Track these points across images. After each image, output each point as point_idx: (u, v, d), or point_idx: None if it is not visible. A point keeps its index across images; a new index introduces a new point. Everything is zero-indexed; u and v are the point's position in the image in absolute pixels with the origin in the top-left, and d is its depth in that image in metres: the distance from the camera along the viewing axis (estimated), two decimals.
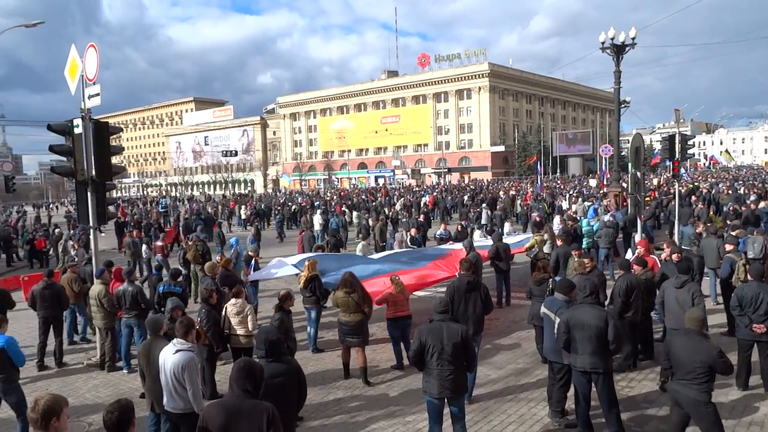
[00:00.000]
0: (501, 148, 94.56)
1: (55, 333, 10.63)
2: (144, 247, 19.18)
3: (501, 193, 41.89)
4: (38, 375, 10.02)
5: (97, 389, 9.16)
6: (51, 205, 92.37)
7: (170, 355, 5.69)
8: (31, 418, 3.52)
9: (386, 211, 31.23)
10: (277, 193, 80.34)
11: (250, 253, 13.57)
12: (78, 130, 10.00)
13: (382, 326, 11.56)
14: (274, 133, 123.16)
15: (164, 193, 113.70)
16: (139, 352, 6.47)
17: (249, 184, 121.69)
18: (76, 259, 15.19)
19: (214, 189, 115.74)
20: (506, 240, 14.68)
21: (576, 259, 9.44)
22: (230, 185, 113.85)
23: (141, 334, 9.58)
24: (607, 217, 17.88)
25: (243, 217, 37.39)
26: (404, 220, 24.25)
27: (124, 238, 22.76)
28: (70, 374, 10.04)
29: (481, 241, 14.96)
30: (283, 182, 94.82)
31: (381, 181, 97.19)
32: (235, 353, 8.42)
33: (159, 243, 18.86)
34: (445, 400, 5.95)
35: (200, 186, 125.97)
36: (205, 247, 16.48)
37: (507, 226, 19.37)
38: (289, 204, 41.32)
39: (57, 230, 24.55)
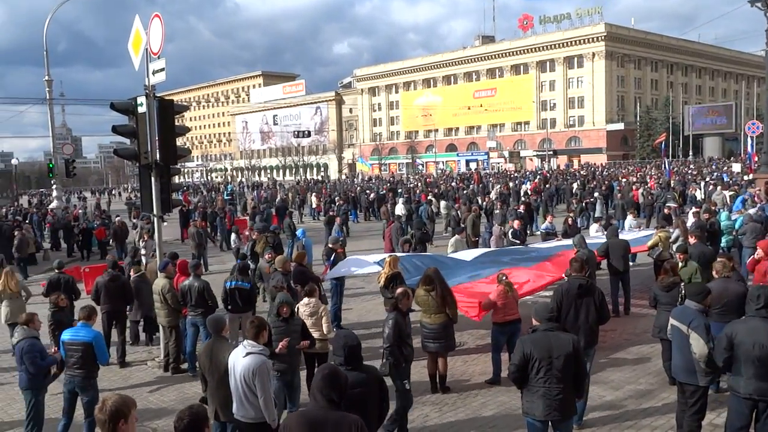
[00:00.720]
0: (619, 126, 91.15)
1: (118, 330, 11.38)
2: (233, 236, 20.28)
3: (621, 179, 40.47)
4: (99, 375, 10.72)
5: (162, 392, 9.75)
6: (112, 191, 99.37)
7: (240, 359, 5.92)
8: (99, 418, 3.80)
9: (479, 201, 30.98)
10: (354, 180, 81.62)
11: (331, 245, 13.84)
12: (142, 109, 10.59)
13: (474, 334, 11.61)
14: (351, 110, 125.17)
15: (229, 178, 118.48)
16: (200, 354, 6.77)
17: (322, 169, 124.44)
18: (144, 252, 16.21)
19: (283, 174, 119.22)
20: (625, 236, 14.19)
21: (719, 260, 8.94)
22: (300, 170, 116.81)
23: (208, 334, 10.02)
24: (754, 210, 16.87)
25: (314, 206, 38.36)
26: (497, 211, 23.91)
27: (187, 227, 24.02)
28: (133, 375, 10.73)
29: (597, 237, 14.51)
30: (360, 166, 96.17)
31: (473, 165, 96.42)
32: (308, 359, 8.67)
33: (246, 232, 19.99)
34: (550, 424, 5.86)
35: (268, 171, 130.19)
36: (276, 239, 17.04)
37: (629, 220, 18.74)
38: (367, 192, 41.86)
39: (118, 218, 26.22)
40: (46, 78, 35.90)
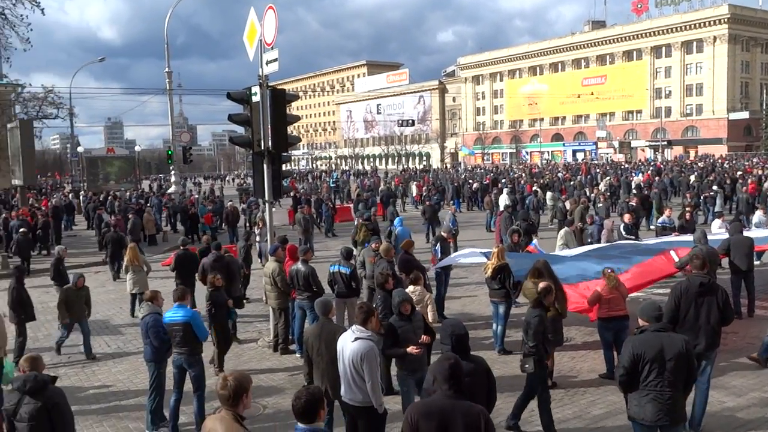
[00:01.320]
0: (743, 115, 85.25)
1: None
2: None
3: (745, 172, 37.90)
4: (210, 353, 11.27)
5: (272, 371, 10.13)
6: (225, 178, 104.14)
7: (349, 343, 6.04)
8: (222, 395, 3.99)
9: (587, 193, 29.96)
10: (457, 169, 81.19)
11: (444, 234, 13.86)
12: (255, 99, 10.97)
13: (582, 330, 11.30)
14: (454, 99, 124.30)
15: (333, 166, 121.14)
16: (306, 336, 6.94)
17: (424, 159, 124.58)
18: (258, 239, 16.85)
19: (386, 163, 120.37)
20: (751, 233, 13.27)
21: None
22: (403, 159, 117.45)
23: (314, 318, 10.30)
24: None
25: (414, 194, 38.51)
26: (600, 204, 23.02)
27: (293, 213, 24.78)
28: (244, 353, 11.24)
29: (719, 233, 13.67)
30: (463, 155, 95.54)
31: (580, 155, 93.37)
32: None
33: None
34: (658, 429, 5.67)
35: (371, 159, 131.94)
36: (374, 226, 17.25)
37: (758, 215, 17.55)
38: (470, 182, 41.52)
39: (230, 203, 27.42)
40: (167, 70, 38.02)
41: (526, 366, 7.26)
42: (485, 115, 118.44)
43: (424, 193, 33.76)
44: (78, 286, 11.53)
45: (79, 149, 54.57)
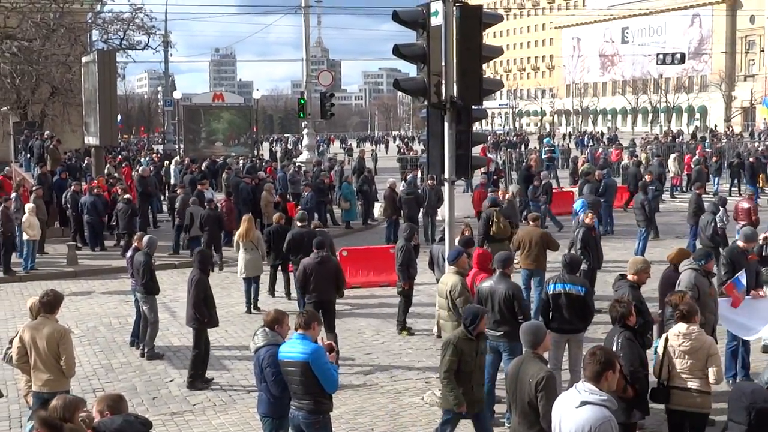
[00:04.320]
0: None
1: (325, 323, 12.30)
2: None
3: None
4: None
5: None
6: (383, 139, 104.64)
7: (571, 409, 6.09)
8: None
9: None
10: (755, 135, 76.99)
11: (740, 243, 13.18)
12: (436, 21, 11.03)
13: None
14: (752, 19, 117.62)
15: (547, 127, 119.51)
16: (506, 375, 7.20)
17: (696, 117, 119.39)
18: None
19: (632, 122, 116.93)
20: None
21: None
22: (661, 117, 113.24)
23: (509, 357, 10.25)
24: None
25: (672, 174, 37.14)
26: None
27: (481, 199, 24.52)
28: (403, 412, 11.48)
29: None
30: (764, 112, 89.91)
31: None
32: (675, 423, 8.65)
33: None
34: None
35: (607, 117, 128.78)
36: None
37: None
38: None
39: (391, 182, 27.52)
40: None
41: None
42: None
43: (693, 174, 32.50)
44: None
45: (176, 94, 57.54)
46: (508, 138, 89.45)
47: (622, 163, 40.75)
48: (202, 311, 12.45)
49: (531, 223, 16.70)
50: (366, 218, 30.14)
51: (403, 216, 24.88)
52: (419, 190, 26.69)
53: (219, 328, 14.05)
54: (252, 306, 17.16)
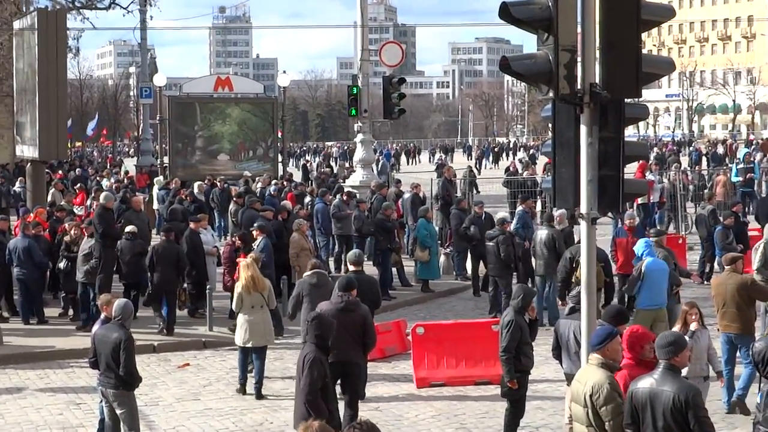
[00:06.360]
0: None
1: None
2: None
3: None
4: None
5: None
6: (488, 155, 76.88)
7: None
8: None
9: None
10: None
11: None
12: None
13: None
14: None
15: (743, 130, 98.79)
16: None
17: None
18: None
19: None
20: None
21: None
22: None
23: None
24: None
25: None
26: None
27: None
28: None
29: None
30: None
31: None
32: None
33: None
34: None
35: None
36: None
37: None
38: None
39: (501, 216, 20.81)
40: None
41: None
42: None
43: None
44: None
45: (157, 79, 42.86)
46: (681, 149, 72.96)
47: None
48: (319, 407, 9.52)
49: (727, 267, 14.07)
50: (459, 274, 23.44)
51: (518, 273, 19.47)
52: (542, 233, 19.84)
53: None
54: (256, 388, 13.93)
